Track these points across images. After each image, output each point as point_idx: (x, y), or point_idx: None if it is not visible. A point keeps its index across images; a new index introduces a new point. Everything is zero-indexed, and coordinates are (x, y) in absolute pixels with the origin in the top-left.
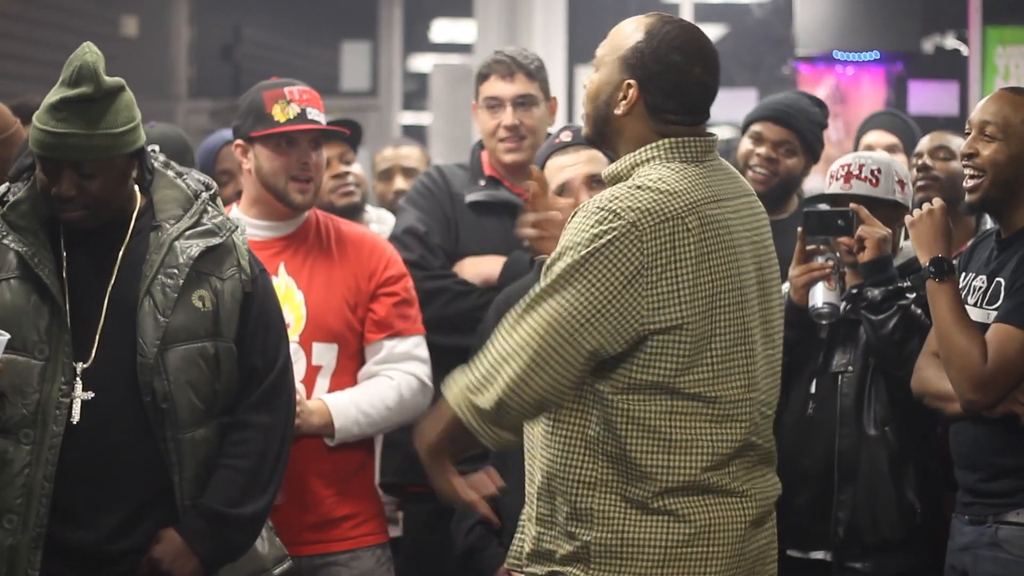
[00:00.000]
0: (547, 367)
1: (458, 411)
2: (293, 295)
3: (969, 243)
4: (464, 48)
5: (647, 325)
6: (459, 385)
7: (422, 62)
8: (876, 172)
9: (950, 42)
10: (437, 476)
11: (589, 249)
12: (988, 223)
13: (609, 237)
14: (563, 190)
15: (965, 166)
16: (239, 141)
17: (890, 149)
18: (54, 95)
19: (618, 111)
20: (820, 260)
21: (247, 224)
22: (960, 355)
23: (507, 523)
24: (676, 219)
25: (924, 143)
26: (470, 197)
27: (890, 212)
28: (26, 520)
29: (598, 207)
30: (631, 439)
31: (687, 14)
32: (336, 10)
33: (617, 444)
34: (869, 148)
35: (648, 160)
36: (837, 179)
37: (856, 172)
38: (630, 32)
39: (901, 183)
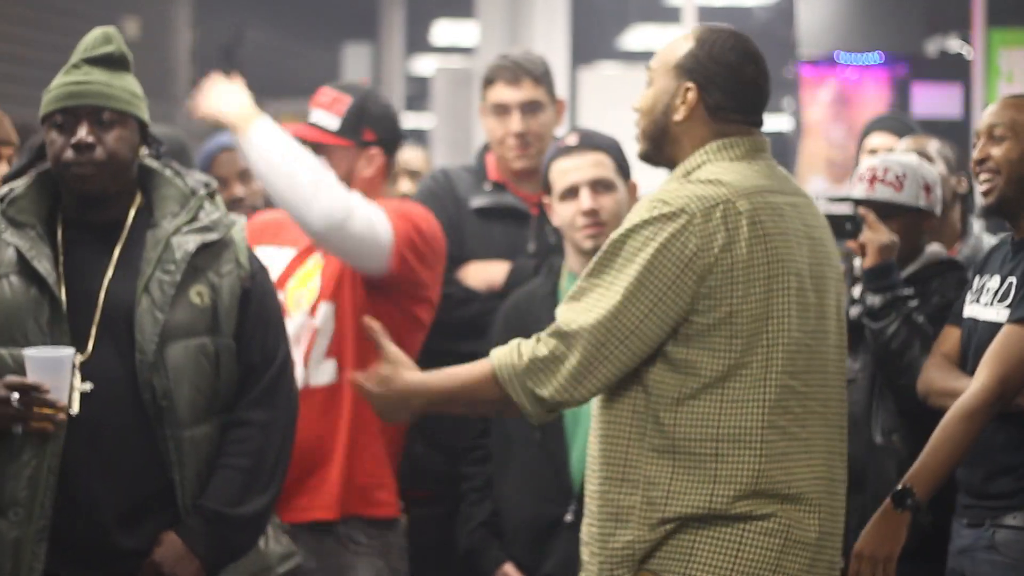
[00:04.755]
0: (610, 359)
1: (512, 393)
2: (319, 268)
3: (987, 248)
4: (466, 50)
5: (701, 308)
6: (513, 365)
7: (423, 64)
8: (901, 176)
9: (953, 44)
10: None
11: (644, 237)
12: (975, 229)
13: (663, 224)
14: (568, 194)
15: (978, 172)
16: None
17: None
18: (72, 62)
19: (677, 116)
20: None
21: None
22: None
23: (507, 525)
24: (726, 202)
25: (900, 149)
26: (475, 202)
27: (912, 218)
28: (31, 512)
29: (650, 200)
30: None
31: (690, 17)
32: (337, 12)
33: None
34: (873, 151)
35: (698, 166)
36: (862, 181)
37: (881, 176)
38: (679, 43)
39: (927, 188)
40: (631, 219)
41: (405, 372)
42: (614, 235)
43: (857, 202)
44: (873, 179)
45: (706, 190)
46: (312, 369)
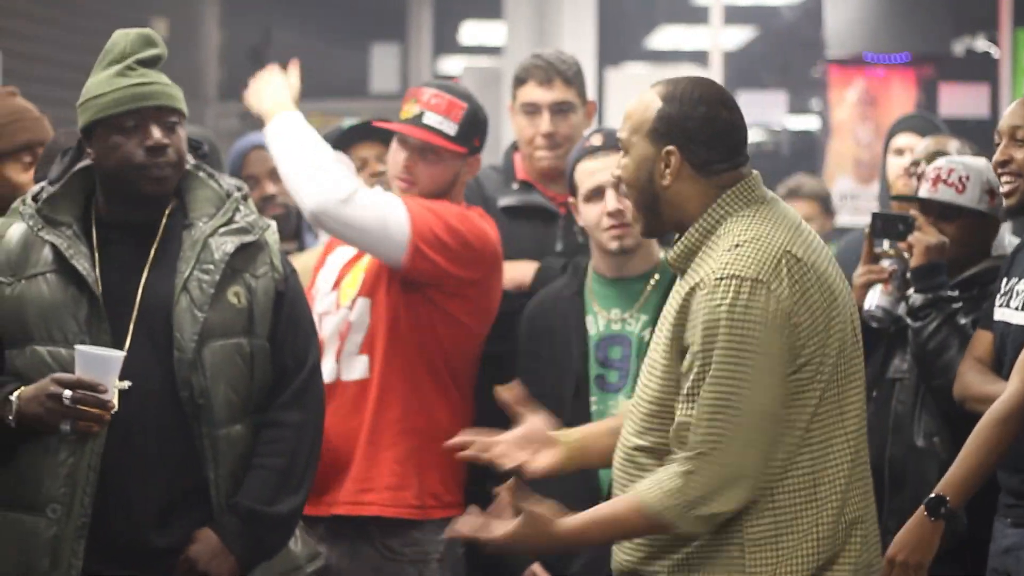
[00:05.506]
0: (766, 452)
1: (676, 526)
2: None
3: (1011, 250)
4: (493, 50)
5: (795, 366)
6: (670, 503)
7: (451, 64)
8: (964, 179)
9: (981, 44)
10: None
11: (740, 323)
12: (1000, 228)
13: (745, 302)
14: (594, 195)
15: (1000, 174)
16: None
17: None
18: (118, 63)
19: (665, 182)
20: (885, 263)
21: None
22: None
23: None
24: (785, 255)
25: (920, 149)
26: (503, 201)
27: (973, 221)
28: (70, 510)
29: (717, 279)
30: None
31: (717, 17)
32: (366, 12)
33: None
34: (899, 152)
35: (717, 222)
36: (926, 181)
37: (944, 177)
38: (646, 104)
39: (992, 192)
40: (714, 307)
41: (552, 529)
42: (712, 332)
43: (920, 202)
44: (937, 179)
45: (760, 249)
46: (344, 364)
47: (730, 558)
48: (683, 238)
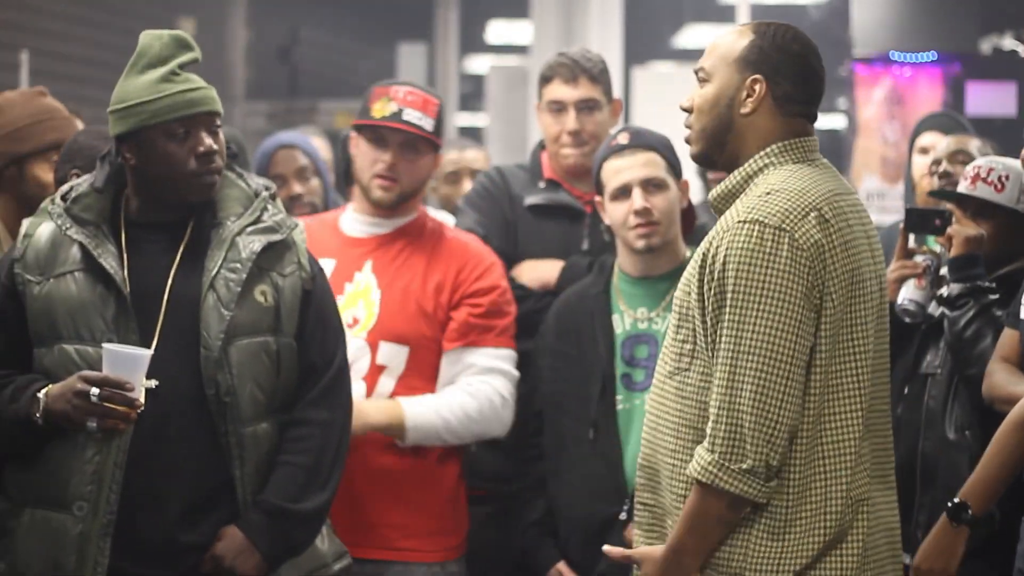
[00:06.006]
0: (785, 399)
1: (726, 486)
2: (371, 292)
3: None
4: (520, 49)
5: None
6: (706, 461)
7: (478, 63)
8: (1003, 178)
9: (1008, 43)
10: None
11: (756, 267)
12: None
13: (765, 247)
14: (620, 193)
15: None
16: (352, 132)
17: None
18: (155, 67)
19: (744, 110)
20: (919, 259)
21: (353, 217)
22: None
23: (561, 524)
24: (814, 210)
25: (942, 148)
26: (529, 200)
27: (1009, 220)
28: (96, 507)
29: (741, 222)
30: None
31: (744, 15)
32: (392, 12)
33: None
34: (924, 150)
35: (760, 169)
36: (965, 179)
37: (984, 175)
38: (736, 37)
39: None
40: (730, 247)
41: (655, 554)
42: (727, 273)
43: (956, 198)
44: (976, 178)
45: (790, 199)
46: None
47: (744, 532)
48: (727, 179)
